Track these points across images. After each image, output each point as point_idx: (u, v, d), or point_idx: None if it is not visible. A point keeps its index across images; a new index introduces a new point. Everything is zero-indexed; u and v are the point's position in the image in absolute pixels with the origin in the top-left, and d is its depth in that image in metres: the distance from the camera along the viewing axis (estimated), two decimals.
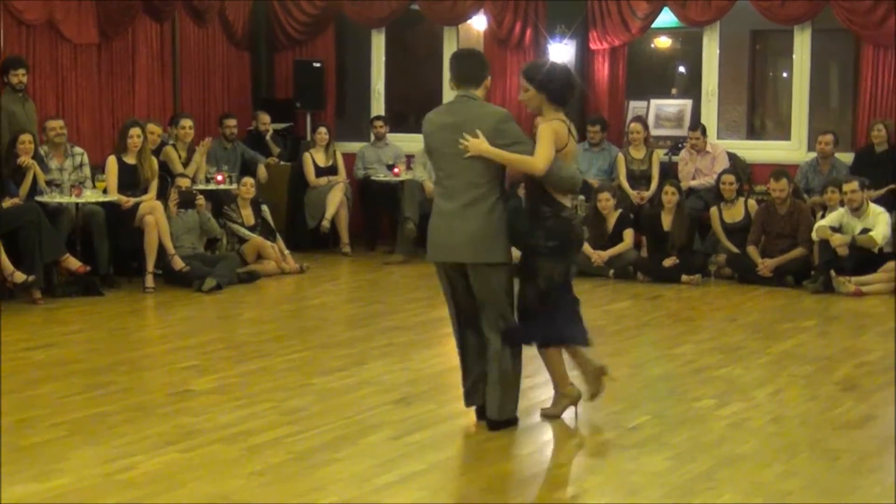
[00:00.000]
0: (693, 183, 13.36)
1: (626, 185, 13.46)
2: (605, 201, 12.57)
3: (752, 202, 12.60)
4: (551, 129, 6.72)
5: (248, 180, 13.01)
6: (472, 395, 7.01)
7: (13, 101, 11.98)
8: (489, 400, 6.88)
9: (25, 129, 11.56)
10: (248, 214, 12.85)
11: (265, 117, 15.05)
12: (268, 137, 14.93)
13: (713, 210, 12.65)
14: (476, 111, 6.70)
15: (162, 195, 12.20)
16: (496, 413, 6.85)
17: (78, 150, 12.18)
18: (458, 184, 6.65)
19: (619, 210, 12.71)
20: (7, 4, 12.58)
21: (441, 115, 6.82)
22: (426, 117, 6.86)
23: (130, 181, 11.87)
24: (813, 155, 13.16)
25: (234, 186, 13.05)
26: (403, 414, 7.15)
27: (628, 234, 12.58)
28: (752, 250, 12.18)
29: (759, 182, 13.21)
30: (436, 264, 6.92)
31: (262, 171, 14.19)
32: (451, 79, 6.89)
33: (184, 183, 12.39)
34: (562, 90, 6.87)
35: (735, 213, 12.56)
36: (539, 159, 6.60)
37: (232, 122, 14.36)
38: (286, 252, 12.97)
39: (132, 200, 11.73)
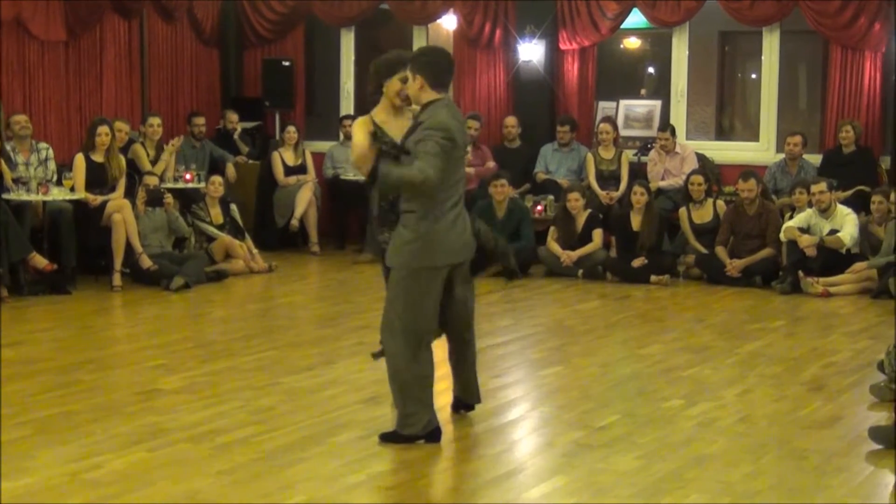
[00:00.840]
0: (662, 184, 13.39)
1: (595, 185, 13.48)
2: (575, 201, 12.58)
3: (720, 203, 12.63)
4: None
5: (217, 179, 12.97)
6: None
7: None
8: (471, 386, 7.06)
9: None
10: (216, 213, 12.81)
11: (233, 116, 15.02)
12: (236, 136, 14.90)
13: (682, 211, 12.68)
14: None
15: (130, 194, 12.14)
16: (478, 396, 7.10)
17: (43, 144, 12.09)
18: (461, 186, 6.58)
19: (589, 210, 12.72)
20: None
21: (456, 118, 6.57)
22: (454, 119, 6.51)
23: (98, 179, 11.80)
24: (781, 156, 13.20)
25: (202, 185, 13.00)
26: (372, 413, 7.13)
27: (597, 234, 12.60)
28: (720, 251, 12.21)
29: (728, 183, 13.25)
30: (440, 270, 6.49)
31: (230, 169, 14.15)
32: (425, 79, 6.49)
33: (152, 181, 12.34)
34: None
35: (704, 213, 12.59)
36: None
37: (200, 120, 14.31)
38: (255, 251, 12.94)
39: (100, 199, 11.67)
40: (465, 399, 7.14)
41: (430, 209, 6.37)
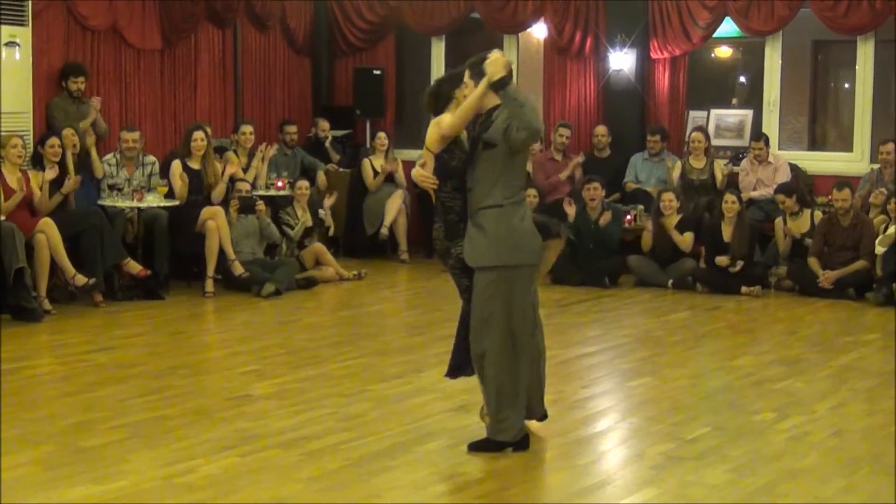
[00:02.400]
0: (754, 194, 13.25)
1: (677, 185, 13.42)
2: (669, 202, 12.55)
3: (818, 213, 12.43)
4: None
5: (304, 183, 13.07)
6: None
7: (66, 106, 12.16)
8: (539, 396, 6.85)
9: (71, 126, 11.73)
10: (304, 218, 12.91)
11: (325, 124, 15.13)
12: (327, 144, 15.00)
13: (778, 221, 12.52)
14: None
15: (223, 200, 12.27)
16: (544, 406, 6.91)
17: (150, 158, 12.27)
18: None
19: (681, 214, 12.67)
20: (72, 10, 12.70)
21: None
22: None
23: (195, 185, 11.94)
24: (876, 166, 13.01)
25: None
26: (461, 422, 7.13)
27: (689, 236, 12.53)
28: (813, 262, 12.06)
29: (821, 194, 13.09)
30: (528, 269, 6.55)
31: (321, 177, 14.25)
32: (495, 85, 6.42)
33: (244, 187, 12.46)
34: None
35: (801, 224, 12.39)
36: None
37: (292, 128, 14.44)
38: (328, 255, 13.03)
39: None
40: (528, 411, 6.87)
41: (511, 202, 6.43)
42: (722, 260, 12.17)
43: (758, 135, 13.55)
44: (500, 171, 6.44)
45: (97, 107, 12.30)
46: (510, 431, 6.51)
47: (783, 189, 12.58)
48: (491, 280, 6.47)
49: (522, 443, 6.56)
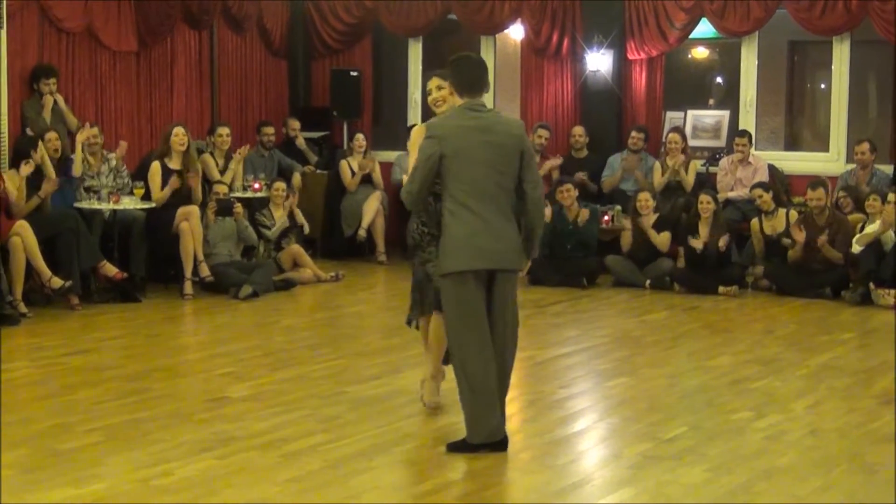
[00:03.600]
0: (731, 194, 13.29)
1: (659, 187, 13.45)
2: (645, 201, 12.59)
3: (793, 213, 12.47)
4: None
5: (280, 185, 13.06)
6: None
7: (37, 107, 12.13)
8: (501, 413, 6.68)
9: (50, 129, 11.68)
10: (281, 217, 12.89)
11: (295, 123, 15.12)
12: (298, 143, 14.96)
13: (754, 221, 12.55)
14: (501, 117, 6.74)
15: (202, 203, 12.25)
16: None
17: (112, 154, 12.25)
18: (488, 188, 6.50)
19: (658, 213, 12.71)
20: (47, 12, 12.65)
21: (458, 119, 6.58)
22: (435, 123, 6.67)
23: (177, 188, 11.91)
24: (852, 166, 13.06)
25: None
26: (439, 423, 7.14)
27: (666, 236, 12.56)
28: (793, 253, 12.03)
29: (797, 194, 13.12)
30: (470, 275, 6.48)
31: (297, 178, 14.23)
32: (455, 86, 6.68)
33: (221, 190, 12.44)
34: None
35: (776, 224, 12.43)
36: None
37: (270, 130, 14.43)
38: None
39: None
40: None
41: (451, 209, 6.53)
42: (696, 243, 12.16)
43: (742, 132, 13.57)
44: (445, 179, 6.55)
45: (61, 104, 12.25)
46: (483, 432, 6.47)
47: (762, 184, 12.62)
48: (443, 286, 6.64)
49: (500, 444, 6.53)
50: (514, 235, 6.58)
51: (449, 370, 7.18)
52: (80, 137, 11.88)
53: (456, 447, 6.55)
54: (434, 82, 7.14)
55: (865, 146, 12.78)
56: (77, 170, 11.77)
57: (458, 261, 6.50)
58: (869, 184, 12.71)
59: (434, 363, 7.38)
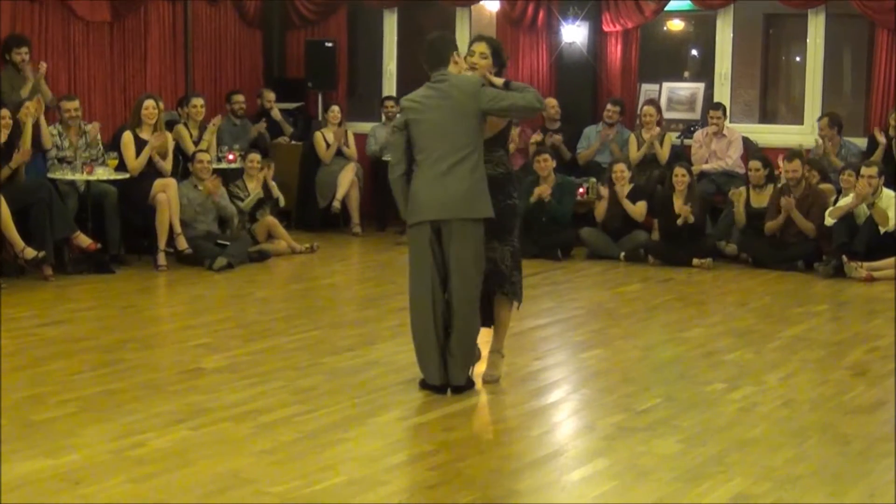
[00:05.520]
0: (706, 167, 13.32)
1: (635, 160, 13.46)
2: (620, 172, 12.60)
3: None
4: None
5: (255, 156, 12.99)
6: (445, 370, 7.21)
7: (12, 78, 12.02)
8: (458, 367, 7.14)
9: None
10: (255, 188, 12.84)
11: (270, 94, 15.08)
12: (273, 114, 14.91)
13: (741, 190, 12.44)
14: (454, 80, 7.12)
15: (174, 173, 12.20)
16: (463, 377, 7.18)
17: (95, 123, 12.19)
18: (443, 149, 7.03)
19: (633, 184, 12.73)
20: None
21: (423, 91, 7.18)
22: (406, 98, 7.27)
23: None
24: (855, 147, 13.06)
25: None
26: (413, 395, 7.15)
27: (641, 205, 12.57)
28: (770, 225, 12.07)
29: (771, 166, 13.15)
30: (417, 227, 7.08)
31: (258, 127, 14.38)
32: (426, 63, 7.23)
33: (205, 158, 12.29)
34: (504, 67, 7.57)
35: (763, 198, 12.37)
36: (534, 94, 7.19)
37: (240, 97, 14.41)
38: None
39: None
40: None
41: (414, 171, 7.16)
42: (685, 210, 12.12)
43: (716, 105, 13.59)
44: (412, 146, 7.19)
45: (43, 72, 12.15)
46: (424, 374, 7.20)
47: (762, 157, 12.58)
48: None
49: (440, 389, 7.11)
50: (463, 187, 6.99)
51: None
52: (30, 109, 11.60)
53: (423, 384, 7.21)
54: (480, 47, 7.34)
55: (825, 121, 12.87)
56: (47, 142, 11.68)
57: (410, 214, 7.15)
58: (838, 155, 12.78)
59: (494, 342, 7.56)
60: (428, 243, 7.05)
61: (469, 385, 7.17)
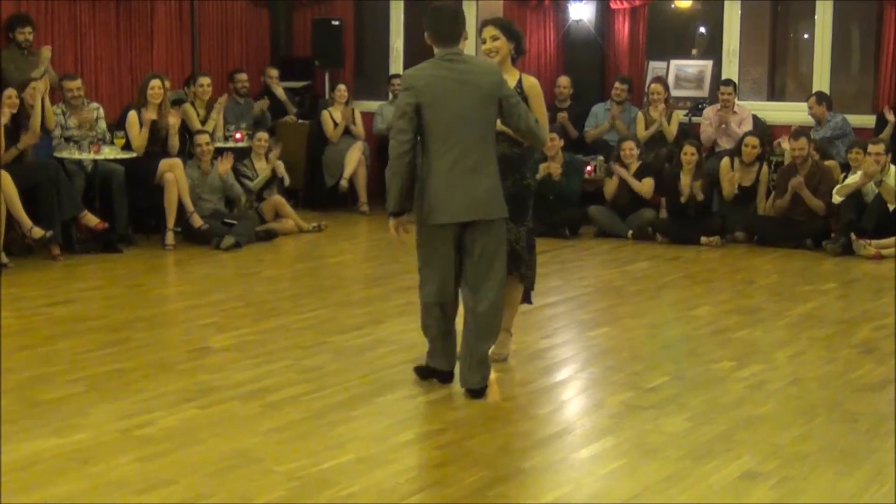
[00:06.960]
0: (721, 141, 13.32)
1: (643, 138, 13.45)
2: (630, 150, 12.58)
3: (765, 169, 12.50)
4: (540, 92, 7.18)
5: (262, 135, 13.01)
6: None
7: (16, 58, 12.00)
8: (474, 368, 6.68)
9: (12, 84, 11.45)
10: (263, 168, 12.85)
11: (273, 71, 15.07)
12: (276, 92, 14.89)
13: (726, 159, 12.49)
14: (473, 63, 6.69)
15: (181, 153, 12.20)
16: (482, 381, 6.72)
17: (94, 105, 12.15)
18: (467, 141, 6.46)
19: (641, 161, 12.72)
20: None
21: (433, 70, 6.54)
22: (410, 74, 6.64)
23: (151, 136, 11.85)
24: (840, 116, 13.05)
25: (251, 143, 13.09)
26: None
27: (648, 182, 12.56)
28: (779, 204, 12.07)
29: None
30: (440, 228, 6.54)
31: (261, 105, 14.33)
32: (428, 37, 6.62)
33: (203, 140, 12.31)
34: (521, 40, 7.25)
35: (748, 176, 12.43)
36: (546, 130, 6.94)
37: (243, 76, 14.40)
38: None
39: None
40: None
41: (426, 162, 6.56)
42: (695, 188, 12.12)
43: (727, 81, 13.57)
44: (422, 131, 6.58)
45: (48, 56, 12.13)
46: (435, 362, 6.89)
47: (760, 135, 12.58)
48: (417, 230, 6.84)
49: (445, 376, 6.86)
50: (489, 184, 6.53)
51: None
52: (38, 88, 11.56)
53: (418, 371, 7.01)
54: (489, 31, 7.03)
55: (812, 100, 12.89)
56: (50, 123, 11.63)
57: (431, 214, 6.55)
58: (836, 132, 12.82)
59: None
60: (452, 245, 6.58)
61: (482, 393, 6.71)
